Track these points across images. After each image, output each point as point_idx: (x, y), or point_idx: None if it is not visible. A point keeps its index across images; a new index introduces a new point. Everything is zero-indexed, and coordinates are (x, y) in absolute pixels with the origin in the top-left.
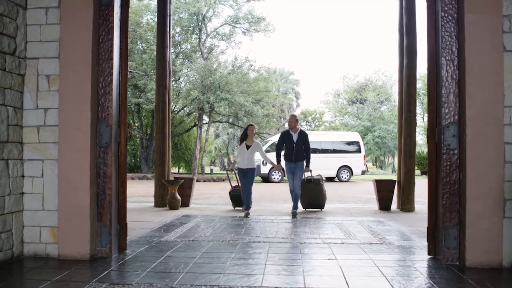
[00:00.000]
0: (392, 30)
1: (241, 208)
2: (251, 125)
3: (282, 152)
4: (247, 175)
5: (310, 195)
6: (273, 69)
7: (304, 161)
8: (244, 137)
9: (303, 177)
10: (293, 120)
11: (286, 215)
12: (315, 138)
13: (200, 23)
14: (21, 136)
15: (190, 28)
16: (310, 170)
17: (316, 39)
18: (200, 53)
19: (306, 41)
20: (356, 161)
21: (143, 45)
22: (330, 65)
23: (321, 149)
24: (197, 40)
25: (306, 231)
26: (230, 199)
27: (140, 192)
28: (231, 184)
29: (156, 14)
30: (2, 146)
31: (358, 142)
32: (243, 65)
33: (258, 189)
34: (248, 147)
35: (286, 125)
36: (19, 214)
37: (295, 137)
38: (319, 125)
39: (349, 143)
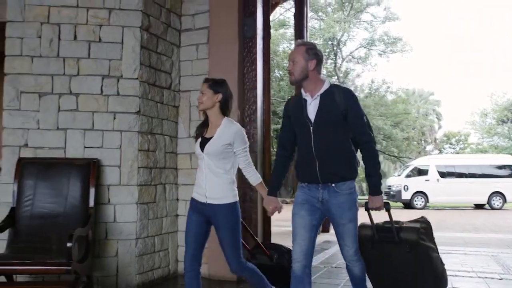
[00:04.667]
0: None
1: None
2: (206, 80)
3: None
4: (217, 223)
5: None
6: (412, 90)
7: (354, 180)
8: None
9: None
10: (298, 54)
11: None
12: (461, 162)
13: (335, 48)
14: (175, 162)
15: (326, 53)
16: (387, 205)
17: (456, 56)
18: (336, 77)
19: (445, 59)
20: (510, 187)
21: (280, 72)
22: (474, 83)
23: (469, 173)
24: (333, 65)
25: (456, 262)
26: None
27: (277, 216)
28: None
29: (292, 42)
30: (160, 171)
31: (511, 165)
32: (380, 88)
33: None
34: (205, 142)
35: (428, 147)
36: (174, 234)
37: (311, 107)
38: (465, 148)
39: (500, 167)
